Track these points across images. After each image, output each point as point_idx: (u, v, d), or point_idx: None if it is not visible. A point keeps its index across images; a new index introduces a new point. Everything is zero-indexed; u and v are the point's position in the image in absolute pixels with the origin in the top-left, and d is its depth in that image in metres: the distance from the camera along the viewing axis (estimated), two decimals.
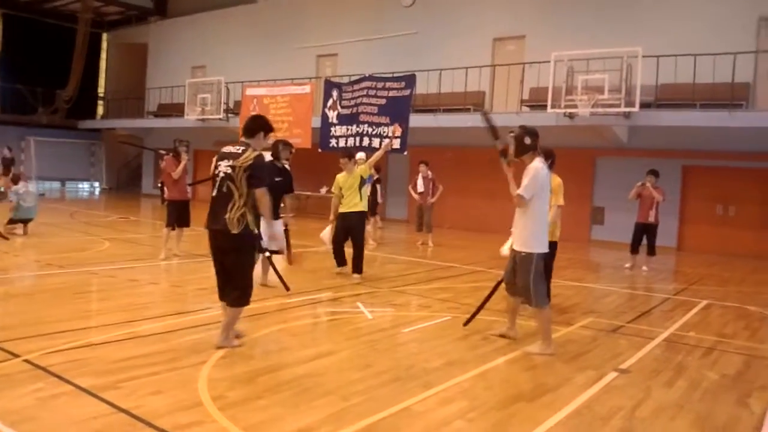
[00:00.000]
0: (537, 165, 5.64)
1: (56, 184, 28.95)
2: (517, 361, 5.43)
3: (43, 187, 26.13)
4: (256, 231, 5.29)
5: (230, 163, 5.15)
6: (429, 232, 13.71)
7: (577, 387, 4.80)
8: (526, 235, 5.68)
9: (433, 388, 4.58)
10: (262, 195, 5.18)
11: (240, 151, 5.19)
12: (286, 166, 8.27)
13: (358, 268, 9.22)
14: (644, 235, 11.56)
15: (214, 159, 5.35)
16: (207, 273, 8.19)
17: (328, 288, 8.46)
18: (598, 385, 4.87)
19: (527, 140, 5.66)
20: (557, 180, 7.23)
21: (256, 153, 5.20)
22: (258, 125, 5.40)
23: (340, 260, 9.46)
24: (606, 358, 5.64)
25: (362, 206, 9.28)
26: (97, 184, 29.88)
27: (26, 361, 4.74)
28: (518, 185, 5.65)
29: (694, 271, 11.84)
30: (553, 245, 6.57)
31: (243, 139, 5.36)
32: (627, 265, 11.68)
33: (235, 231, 5.07)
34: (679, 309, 8.13)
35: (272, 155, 8.11)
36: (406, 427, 3.89)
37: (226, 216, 5.08)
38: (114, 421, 3.75)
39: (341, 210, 9.31)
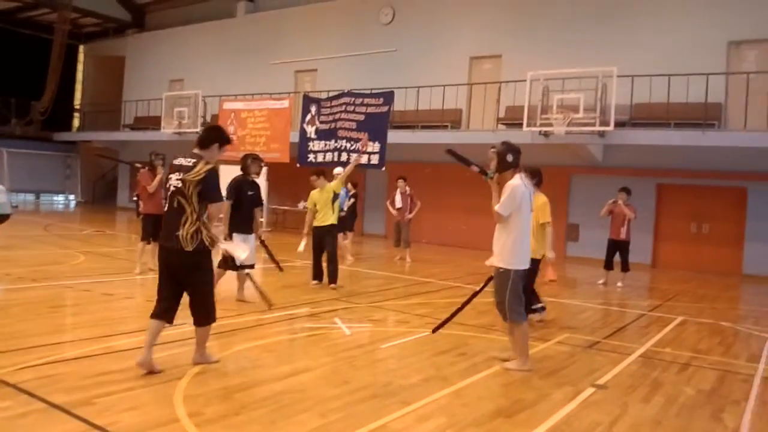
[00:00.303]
0: (515, 182, 5.64)
1: (30, 197, 28.55)
2: (494, 378, 5.44)
3: (17, 200, 25.74)
4: (223, 244, 5.18)
5: (181, 176, 4.85)
6: (407, 248, 13.73)
7: (555, 403, 4.82)
8: (505, 251, 5.68)
9: (410, 405, 4.57)
10: (216, 210, 4.96)
11: (191, 164, 4.89)
12: (256, 180, 8.31)
13: (333, 278, 9.56)
14: (617, 251, 11.73)
15: (166, 170, 5.06)
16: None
17: (305, 303, 8.42)
18: (576, 401, 4.89)
19: (509, 157, 5.66)
20: (543, 198, 7.49)
21: (209, 166, 4.88)
22: (213, 136, 5.12)
23: (317, 273, 9.77)
24: (583, 374, 5.67)
25: (333, 219, 9.69)
26: (72, 196, 29.50)
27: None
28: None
29: (668, 288, 11.98)
30: (535, 262, 6.74)
31: (196, 150, 5.03)
32: (600, 281, 11.80)
33: (189, 248, 4.81)
34: (655, 325, 8.22)
35: (241, 169, 8.13)
36: None
37: (179, 233, 4.81)
38: None
39: (315, 224, 9.69)
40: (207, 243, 4.90)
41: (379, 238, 19.07)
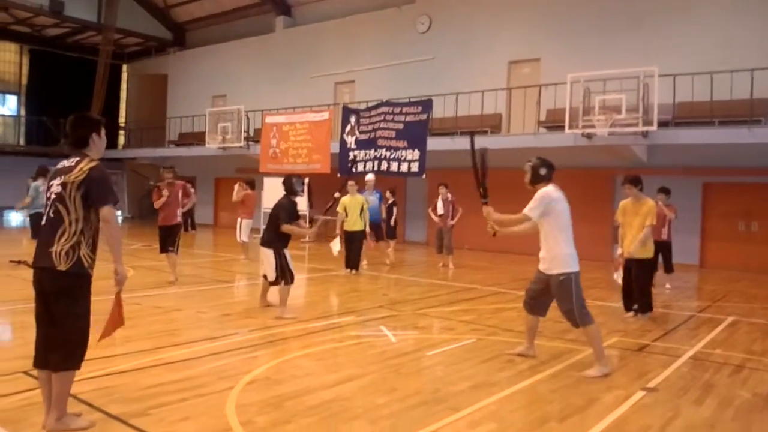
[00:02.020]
0: (547, 189, 5.81)
1: None
2: (543, 383, 5.41)
3: None
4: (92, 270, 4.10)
5: (62, 179, 4.00)
6: (449, 254, 13.71)
7: (606, 407, 4.77)
8: (559, 256, 5.73)
9: (460, 412, 4.57)
10: (110, 216, 4.01)
11: (72, 164, 4.05)
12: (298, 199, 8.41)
13: (355, 264, 12.07)
14: (659, 253, 11.51)
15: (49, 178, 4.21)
16: (230, 299, 8.29)
17: (350, 312, 8.49)
18: (627, 404, 4.83)
19: (542, 171, 5.87)
20: (651, 202, 8.40)
21: (93, 163, 4.05)
22: (86, 129, 4.21)
23: (348, 264, 12.16)
24: (633, 377, 5.60)
25: (360, 226, 12.15)
26: (119, 212, 30.24)
27: None
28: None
29: (717, 288, 11.72)
30: (651, 261, 8.57)
31: (74, 150, 4.20)
32: None
33: (61, 267, 3.90)
34: (705, 326, 8.05)
35: (287, 190, 8.14)
36: None
37: (53, 248, 3.91)
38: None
39: (346, 228, 12.10)
40: (86, 265, 4.00)
41: (421, 246, 19.07)
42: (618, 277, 9.15)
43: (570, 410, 4.69)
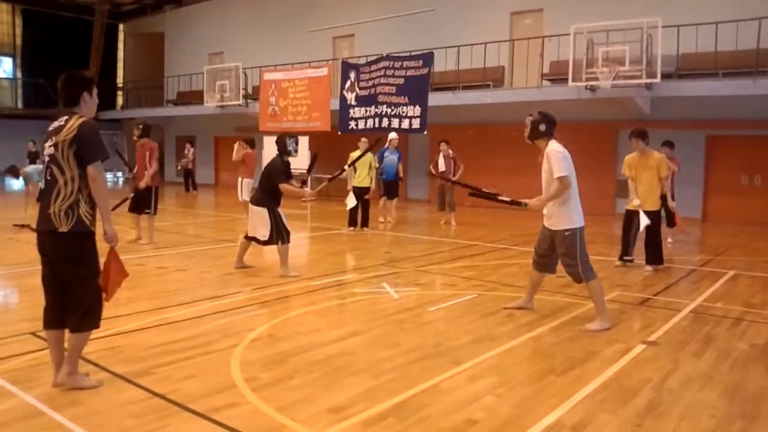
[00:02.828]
0: (557, 147, 5.71)
1: None
2: (544, 337, 5.46)
3: None
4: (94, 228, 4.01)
5: (53, 141, 3.93)
6: (452, 211, 13.71)
7: (606, 360, 4.82)
8: (566, 212, 5.72)
9: (461, 365, 4.63)
10: (96, 173, 3.89)
11: (63, 123, 3.96)
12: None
13: (365, 222, 12.34)
14: (663, 206, 11.48)
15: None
16: (233, 258, 8.33)
17: (352, 269, 8.54)
18: (627, 357, 4.88)
19: (542, 126, 5.75)
20: (658, 154, 8.57)
21: (82, 119, 3.95)
22: (77, 87, 4.09)
23: (352, 222, 12.31)
24: (634, 331, 5.65)
25: (368, 183, 12.35)
26: (120, 174, 30.21)
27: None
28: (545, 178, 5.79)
29: (719, 242, 11.74)
30: (656, 214, 8.48)
31: (66, 109, 4.10)
32: None
33: (63, 229, 3.85)
34: (706, 280, 8.09)
35: (281, 150, 7.89)
36: (436, 403, 3.95)
37: (50, 210, 3.87)
38: (151, 405, 3.84)
39: (354, 184, 12.18)
40: (87, 222, 3.93)
41: (423, 203, 19.08)
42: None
43: (570, 364, 4.74)
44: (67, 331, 4.01)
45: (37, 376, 4.27)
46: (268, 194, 7.76)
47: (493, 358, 4.85)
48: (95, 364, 4.51)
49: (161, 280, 7.64)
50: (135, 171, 10.41)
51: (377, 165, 12.86)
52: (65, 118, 3.98)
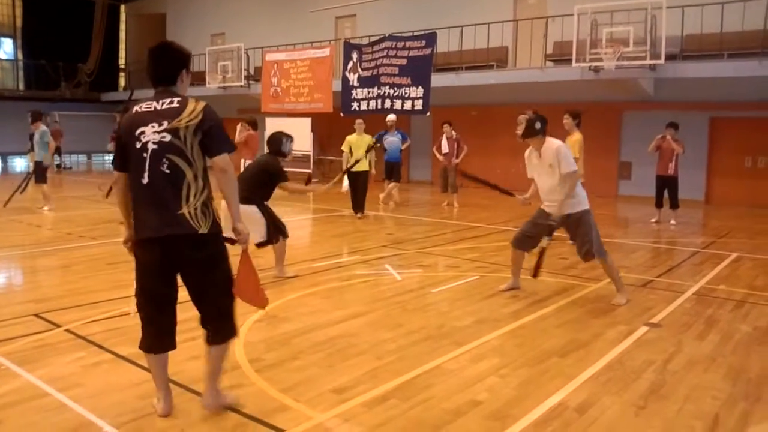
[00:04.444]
0: (557, 142, 5.95)
1: (83, 157, 29.30)
2: (547, 318, 5.47)
3: (70, 161, 26.53)
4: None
5: (166, 126, 3.24)
6: (454, 193, 13.68)
7: (609, 342, 4.83)
8: (574, 197, 5.90)
9: (464, 346, 4.65)
10: (228, 165, 3.37)
11: (176, 105, 3.30)
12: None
13: (360, 206, 11.71)
14: (665, 187, 11.50)
15: (122, 130, 3.36)
16: None
17: (355, 251, 8.54)
18: (630, 339, 4.89)
19: (537, 125, 5.92)
20: (579, 135, 9.21)
21: (204, 104, 3.38)
22: (176, 63, 3.46)
23: (355, 206, 11.83)
24: (636, 313, 5.65)
25: (365, 166, 11.56)
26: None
27: (68, 330, 4.90)
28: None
29: (722, 224, 11.71)
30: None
31: (161, 89, 3.41)
32: (653, 220, 11.62)
33: (203, 230, 3.28)
34: (709, 262, 8.08)
35: (275, 151, 6.76)
36: (440, 383, 3.96)
37: (183, 210, 3.24)
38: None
39: (355, 170, 11.15)
40: (219, 221, 3.44)
41: (426, 185, 19.04)
42: None
43: (573, 345, 4.75)
44: (209, 347, 3.53)
45: (42, 357, 4.29)
46: (258, 190, 6.60)
47: (496, 339, 4.86)
48: (99, 346, 4.53)
49: None
50: None
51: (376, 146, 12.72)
52: (175, 99, 3.33)
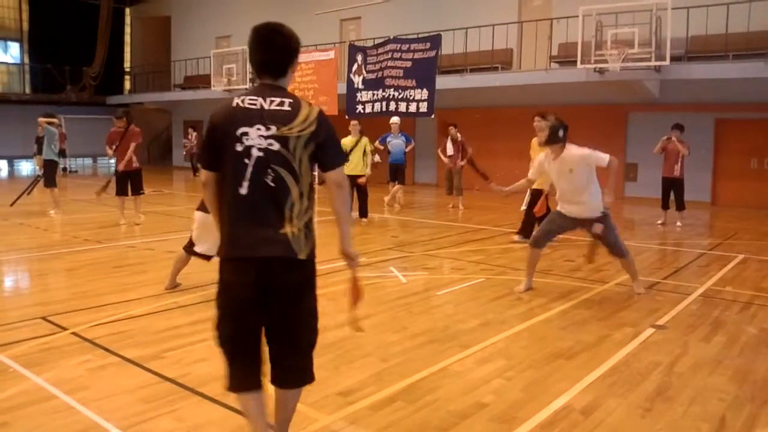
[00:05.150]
0: (579, 149, 6.11)
1: (88, 161, 29.38)
2: (553, 320, 5.46)
3: (76, 164, 26.60)
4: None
5: (275, 131, 2.72)
6: (459, 195, 13.68)
7: (615, 344, 4.82)
8: (597, 199, 6.13)
9: (470, 348, 4.64)
10: (344, 179, 2.95)
11: (288, 108, 2.77)
12: None
13: (364, 213, 11.58)
14: (672, 189, 11.49)
15: (216, 123, 2.78)
16: None
17: (360, 254, 8.51)
18: (636, 341, 4.88)
19: (560, 133, 6.08)
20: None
21: (318, 109, 2.92)
22: (287, 49, 2.95)
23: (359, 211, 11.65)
24: (642, 315, 5.64)
25: (361, 170, 11.58)
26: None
27: (74, 333, 4.91)
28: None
29: (728, 226, 11.68)
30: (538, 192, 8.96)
31: (268, 81, 2.89)
32: (659, 222, 11.60)
33: (302, 255, 2.81)
34: (715, 264, 8.06)
35: None
36: (445, 386, 3.96)
37: (286, 229, 2.76)
38: (161, 389, 3.86)
39: (347, 172, 10.53)
40: (315, 245, 2.99)
41: (431, 187, 19.04)
42: None
43: (579, 347, 4.74)
44: (281, 391, 3.02)
45: (48, 360, 4.31)
46: None
47: (502, 341, 4.86)
48: (105, 349, 4.54)
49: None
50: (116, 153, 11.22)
51: (373, 148, 12.73)
52: (288, 101, 2.80)
